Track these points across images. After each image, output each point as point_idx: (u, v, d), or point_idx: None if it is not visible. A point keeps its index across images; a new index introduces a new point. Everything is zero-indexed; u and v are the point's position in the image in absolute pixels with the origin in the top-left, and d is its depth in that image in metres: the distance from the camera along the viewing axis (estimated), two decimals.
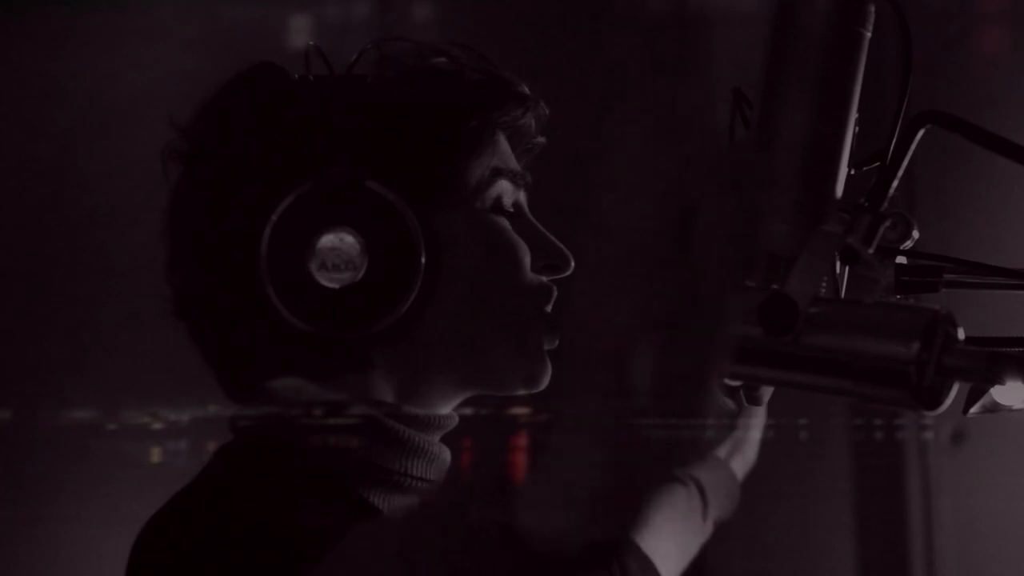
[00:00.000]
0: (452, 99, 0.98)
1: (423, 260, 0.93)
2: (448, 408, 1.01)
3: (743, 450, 1.44)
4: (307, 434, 0.96)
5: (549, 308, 1.02)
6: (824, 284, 0.79)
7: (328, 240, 0.92)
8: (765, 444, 2.18)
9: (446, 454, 1.00)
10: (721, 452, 1.42)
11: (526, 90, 1.03)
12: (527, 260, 1.00)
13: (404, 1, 2.08)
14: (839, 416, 2.17)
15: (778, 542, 2.17)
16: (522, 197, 1.03)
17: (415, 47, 1.00)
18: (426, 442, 0.98)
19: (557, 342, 1.01)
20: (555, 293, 1.02)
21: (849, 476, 2.18)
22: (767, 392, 0.88)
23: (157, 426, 1.97)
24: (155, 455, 1.97)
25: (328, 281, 0.92)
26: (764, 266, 0.81)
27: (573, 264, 1.02)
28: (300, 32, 2.08)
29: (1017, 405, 0.81)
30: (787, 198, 0.81)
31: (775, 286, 0.78)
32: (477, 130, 0.99)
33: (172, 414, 1.96)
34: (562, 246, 1.02)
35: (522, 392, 1.01)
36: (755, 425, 1.45)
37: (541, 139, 1.06)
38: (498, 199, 1.00)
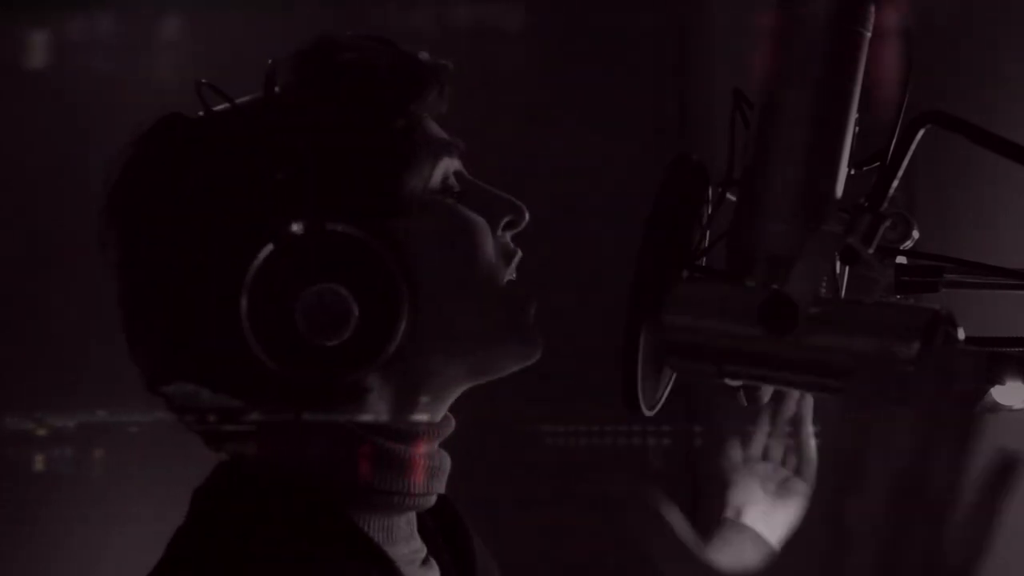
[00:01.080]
0: (370, 106, 0.95)
1: (406, 286, 0.90)
2: (445, 409, 0.99)
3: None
4: (300, 460, 0.94)
5: (513, 271, 0.99)
6: (824, 284, 0.79)
7: (310, 300, 0.88)
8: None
9: (446, 462, 0.99)
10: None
11: (431, 60, 0.98)
12: (488, 232, 0.98)
13: (151, 15, 2.03)
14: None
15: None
16: (458, 163, 1.00)
17: (311, 55, 0.96)
18: (425, 456, 0.96)
19: (535, 307, 0.99)
20: (518, 254, 1.00)
21: None
22: (767, 392, 0.88)
23: (41, 432, 1.92)
24: (39, 463, 1.93)
25: (325, 339, 0.89)
26: (764, 266, 0.81)
27: (527, 215, 1.00)
28: (40, 50, 2.02)
29: (1017, 405, 0.80)
30: (787, 198, 0.81)
31: (775, 286, 0.78)
32: (406, 129, 0.95)
33: (57, 420, 1.91)
34: (513, 199, 1.00)
35: (520, 367, 0.99)
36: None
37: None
38: (444, 180, 0.97)
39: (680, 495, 2.17)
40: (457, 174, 0.99)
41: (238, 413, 0.95)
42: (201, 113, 0.95)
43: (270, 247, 0.89)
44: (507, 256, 0.99)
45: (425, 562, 1.00)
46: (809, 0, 0.81)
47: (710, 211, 0.87)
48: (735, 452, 1.34)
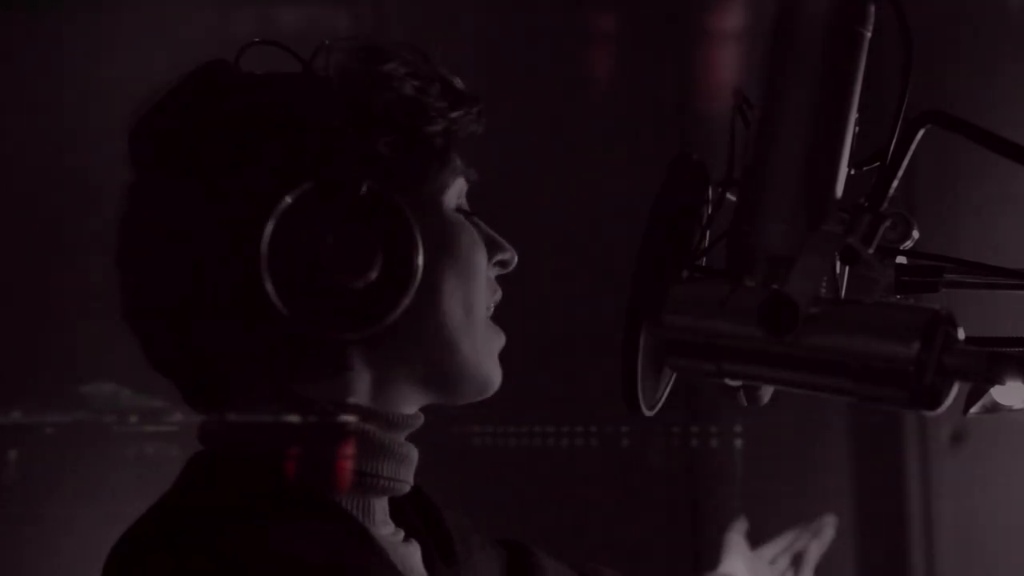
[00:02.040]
0: (418, 102, 0.97)
1: (422, 260, 0.93)
2: (415, 408, 1.01)
3: None
4: (276, 441, 0.95)
5: (491, 307, 1.02)
6: (824, 284, 0.79)
7: (346, 240, 0.91)
8: (764, 445, 2.18)
9: (414, 453, 1.00)
10: None
11: (472, 92, 1.02)
12: (485, 259, 1.00)
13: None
14: (839, 416, 2.17)
15: None
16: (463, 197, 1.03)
17: (367, 50, 0.99)
18: (393, 442, 0.98)
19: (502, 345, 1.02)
20: (499, 293, 1.03)
21: (849, 476, 2.18)
22: (767, 392, 0.88)
23: None
24: None
25: (346, 280, 0.91)
26: (764, 266, 0.81)
27: (516, 260, 1.03)
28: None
29: (1017, 405, 0.81)
30: (787, 198, 0.81)
31: (775, 286, 0.78)
32: (444, 133, 0.98)
33: None
34: (505, 243, 1.02)
35: (474, 399, 1.01)
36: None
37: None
38: (459, 199, 1.00)
39: (680, 495, 2.17)
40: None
41: (216, 397, 0.96)
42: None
43: (308, 185, 0.91)
44: (491, 291, 1.02)
45: (406, 540, 1.02)
46: (809, 0, 0.81)
47: (710, 211, 0.87)
48: (740, 526, 1.52)
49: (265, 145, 0.94)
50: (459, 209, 1.01)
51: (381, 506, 0.99)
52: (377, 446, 0.96)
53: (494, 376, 1.01)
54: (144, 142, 0.97)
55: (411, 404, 1.00)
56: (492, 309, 1.02)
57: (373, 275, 0.91)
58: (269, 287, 0.90)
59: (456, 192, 1.00)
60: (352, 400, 0.96)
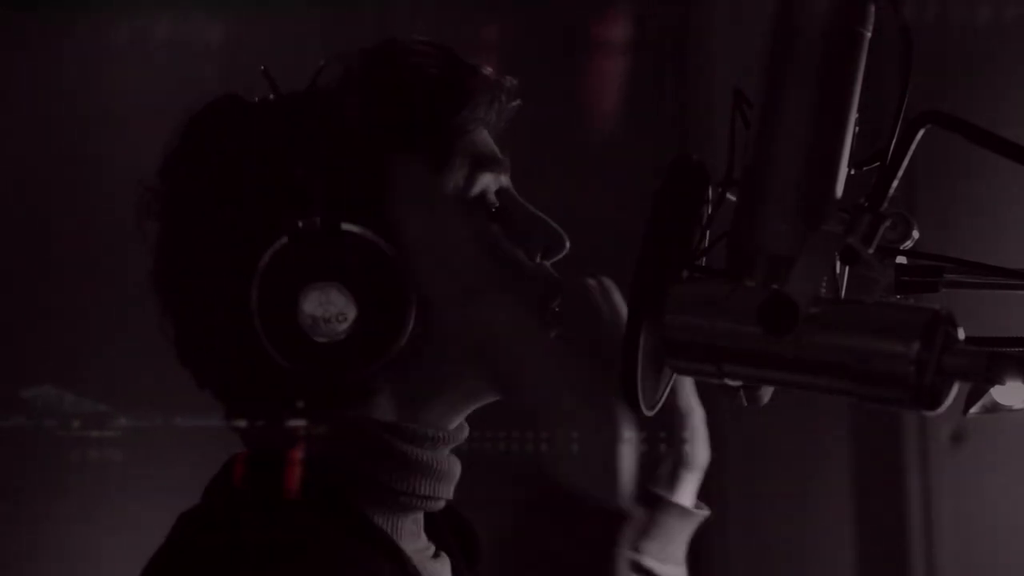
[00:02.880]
0: (415, 110, 0.96)
1: (413, 291, 0.91)
2: (458, 419, 0.99)
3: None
4: (313, 454, 0.94)
5: (555, 298, 0.99)
6: (824, 284, 0.79)
7: (312, 298, 0.90)
8: (765, 444, 2.18)
9: (456, 468, 0.99)
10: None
11: (489, 76, 1.00)
12: (517, 254, 0.98)
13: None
14: (839, 416, 2.17)
15: (778, 542, 2.17)
16: (505, 180, 1.01)
17: (368, 55, 0.98)
18: (433, 459, 0.96)
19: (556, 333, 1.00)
20: (559, 283, 1.00)
21: (849, 476, 2.18)
22: (767, 392, 0.88)
23: None
24: None
25: (321, 336, 0.90)
26: (764, 266, 0.81)
27: (568, 244, 1.00)
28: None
29: (1017, 405, 0.81)
30: (787, 198, 0.81)
31: (775, 286, 0.78)
32: (445, 140, 0.97)
33: None
34: (555, 226, 1.00)
35: None
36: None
37: (515, 104, 1.03)
38: (482, 195, 0.98)
39: None
40: (503, 191, 1.00)
41: (253, 405, 0.96)
42: (256, 99, 0.97)
43: (283, 240, 0.90)
44: (542, 282, 0.99)
45: (436, 556, 1.01)
46: (809, 0, 0.81)
47: (710, 211, 0.87)
48: None
49: (248, 192, 0.93)
50: (485, 205, 0.98)
51: (413, 519, 0.98)
52: (412, 463, 0.95)
53: None
54: (174, 176, 0.97)
55: (458, 414, 0.99)
56: (557, 304, 0.99)
57: (348, 326, 0.90)
58: (264, 341, 0.90)
59: (479, 188, 0.98)
60: (383, 418, 0.95)
